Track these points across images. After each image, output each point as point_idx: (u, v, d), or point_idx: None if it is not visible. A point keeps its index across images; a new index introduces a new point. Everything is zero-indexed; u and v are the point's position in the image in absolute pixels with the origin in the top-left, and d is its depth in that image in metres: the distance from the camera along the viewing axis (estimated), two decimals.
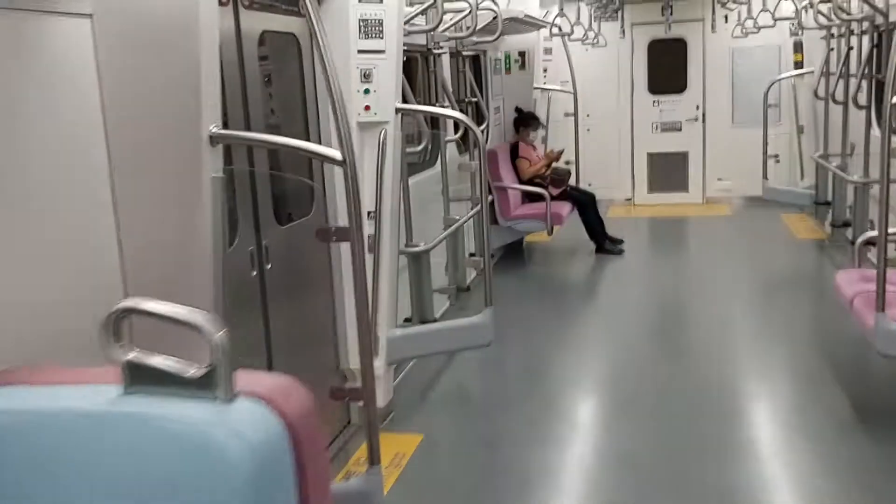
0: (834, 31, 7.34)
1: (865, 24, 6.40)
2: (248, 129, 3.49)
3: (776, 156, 8.97)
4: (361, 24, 4.14)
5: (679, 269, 8.03)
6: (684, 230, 9.90)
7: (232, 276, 3.16)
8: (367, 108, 4.28)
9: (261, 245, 3.54)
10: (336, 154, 2.52)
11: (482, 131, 6.48)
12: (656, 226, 10.07)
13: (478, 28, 5.78)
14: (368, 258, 4.31)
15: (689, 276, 7.72)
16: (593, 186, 10.48)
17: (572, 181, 8.70)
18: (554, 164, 8.39)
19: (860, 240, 4.91)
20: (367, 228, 4.34)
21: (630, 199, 10.97)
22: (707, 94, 10.53)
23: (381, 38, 4.24)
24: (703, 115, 10.58)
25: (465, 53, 6.29)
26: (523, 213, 7.79)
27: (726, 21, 10.23)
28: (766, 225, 9.21)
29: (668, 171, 10.86)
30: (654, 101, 10.74)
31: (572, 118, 9.30)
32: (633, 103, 10.75)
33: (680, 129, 10.70)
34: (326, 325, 4.17)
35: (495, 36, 5.92)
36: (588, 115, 10.63)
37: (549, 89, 9.40)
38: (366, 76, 4.27)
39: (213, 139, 2.60)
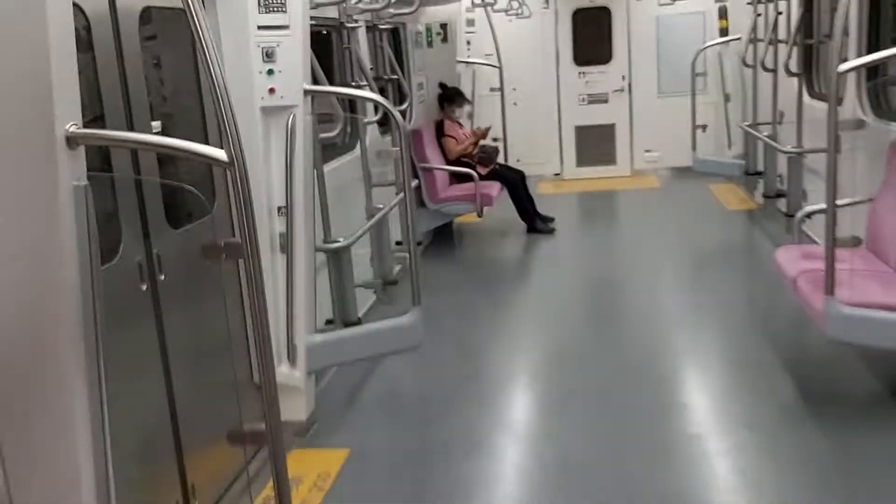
0: None
1: None
2: (130, 122, 3.03)
3: (703, 126, 8.83)
4: None
5: (611, 246, 7.82)
6: (614, 204, 9.72)
7: (115, 293, 2.73)
8: (272, 90, 3.85)
9: (151, 254, 3.09)
10: (221, 154, 2.11)
11: (405, 110, 6.09)
12: (586, 201, 9.87)
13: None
14: (281, 259, 3.93)
15: (621, 254, 7.52)
16: (522, 163, 10.20)
17: (501, 159, 8.39)
18: (481, 142, 8.06)
19: (800, 214, 4.72)
20: (278, 226, 3.94)
21: (559, 174, 10.74)
22: (633, 64, 10.32)
23: (285, 11, 3.80)
24: (630, 85, 10.39)
25: (382, 27, 5.83)
26: (452, 196, 7.44)
27: None
28: (695, 196, 9.09)
29: (596, 144, 10.65)
30: (580, 73, 10.48)
31: (498, 93, 8.94)
32: (558, 76, 10.48)
33: (606, 101, 10.48)
34: (238, 336, 3.73)
35: (414, 7, 5.51)
36: (514, 89, 10.32)
37: (473, 63, 9.01)
38: (268, 55, 3.83)
39: (71, 140, 2.15)
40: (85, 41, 2.86)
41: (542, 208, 8.30)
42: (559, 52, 10.42)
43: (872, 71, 5.37)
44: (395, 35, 7.32)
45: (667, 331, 5.37)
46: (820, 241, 5.54)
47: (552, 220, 8.25)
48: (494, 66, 8.74)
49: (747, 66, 7.48)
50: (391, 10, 5.53)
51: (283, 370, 3.90)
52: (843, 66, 3.35)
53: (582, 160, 10.73)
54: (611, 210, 9.51)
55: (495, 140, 8.69)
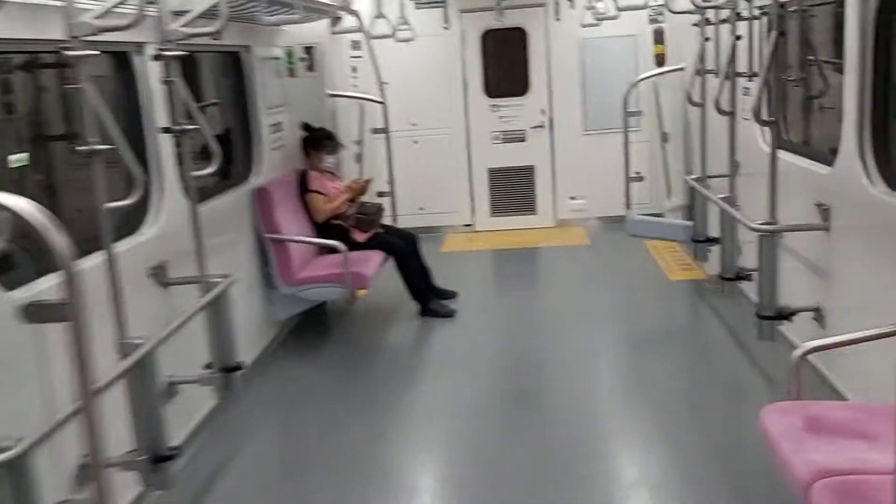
0: (710, 15, 5.56)
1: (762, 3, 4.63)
2: None
3: (639, 176, 7.18)
4: None
5: (527, 329, 6.06)
6: (534, 268, 8.01)
7: None
8: None
9: None
10: None
11: (219, 166, 4.22)
12: (501, 261, 8.14)
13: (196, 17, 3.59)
14: None
15: (539, 341, 5.75)
16: (426, 212, 8.51)
17: (388, 219, 6.60)
18: (360, 199, 6.26)
19: (800, 352, 3.03)
20: None
21: (470, 226, 8.99)
22: (554, 96, 8.68)
23: None
24: (551, 121, 8.74)
25: (168, 53, 3.83)
26: (313, 276, 5.56)
27: (572, 5, 8.35)
28: (630, 258, 7.44)
29: (514, 189, 8.97)
30: (492, 106, 8.79)
31: (392, 134, 7.12)
32: (467, 109, 8.76)
33: (524, 140, 8.81)
34: None
35: (216, 27, 3.68)
36: (415, 125, 8.61)
37: (347, 96, 7.17)
38: None
39: None
40: None
41: (446, 274, 6.58)
42: (467, 81, 8.71)
43: (882, 121, 3.77)
44: (237, 63, 5.50)
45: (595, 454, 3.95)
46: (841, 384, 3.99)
47: (453, 295, 6.47)
48: (377, 102, 6.92)
49: (694, 104, 5.85)
50: (185, 30, 3.68)
51: None
52: None
53: (497, 209, 9.02)
54: (529, 276, 7.78)
55: (382, 195, 6.89)
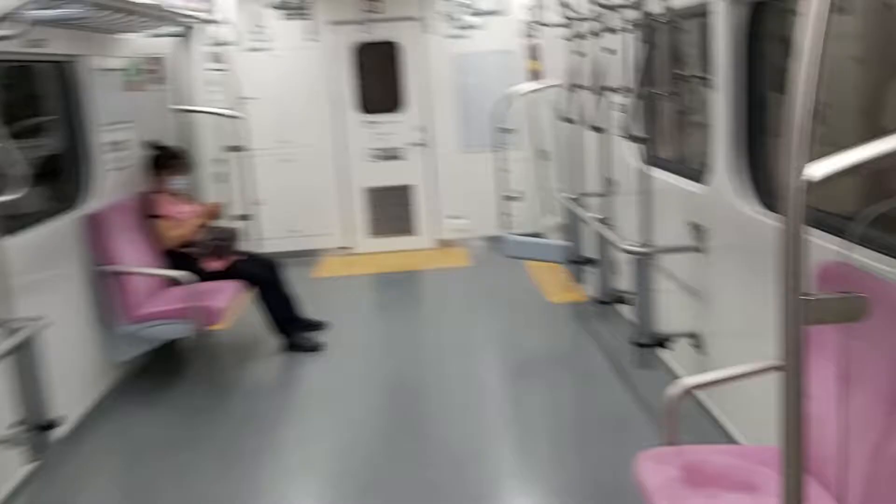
0: (583, 29, 5.34)
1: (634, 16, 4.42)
2: None
3: (513, 196, 6.88)
4: None
5: (406, 364, 5.61)
6: (414, 293, 7.62)
7: None
8: None
9: None
10: None
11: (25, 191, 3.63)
12: (379, 286, 7.71)
13: None
14: None
15: (418, 376, 5.34)
16: (299, 235, 8.03)
17: (251, 245, 6.08)
18: (214, 224, 5.72)
19: (673, 393, 2.74)
20: None
21: (348, 248, 8.53)
22: (431, 112, 8.35)
23: None
24: (429, 138, 8.41)
25: None
26: (153, 312, 4.97)
27: (449, 20, 8.08)
28: (511, 280, 7.17)
29: (392, 209, 8.58)
30: (368, 123, 8.39)
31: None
32: (341, 126, 8.32)
33: (402, 157, 8.45)
34: None
35: (16, 31, 3.14)
36: (286, 142, 8.12)
37: (199, 111, 6.60)
38: None
39: None
40: None
41: (319, 301, 6.14)
42: (341, 96, 8.27)
43: (755, 138, 3.58)
44: (64, 74, 4.89)
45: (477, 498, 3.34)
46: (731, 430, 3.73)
47: (321, 326, 6.00)
48: (234, 117, 6.39)
49: (566, 121, 5.62)
50: None
51: None
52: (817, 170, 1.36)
53: (376, 230, 8.60)
54: (408, 301, 7.37)
55: (244, 217, 6.35)
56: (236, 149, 6.50)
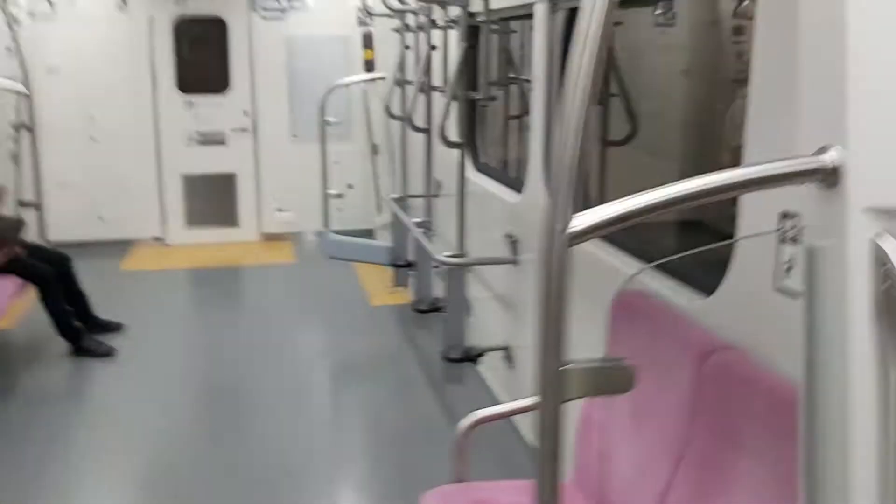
0: (410, 21, 5.10)
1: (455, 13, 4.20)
2: None
3: (338, 193, 6.54)
4: None
5: (216, 371, 5.18)
6: (232, 291, 7.15)
7: None
8: None
9: None
10: None
11: None
12: (195, 282, 7.19)
13: None
14: None
15: (229, 384, 4.92)
16: (106, 221, 7.36)
17: (37, 236, 5.42)
18: None
19: (462, 426, 2.54)
20: None
21: (161, 239, 7.91)
22: (258, 96, 7.87)
23: None
24: (255, 124, 7.92)
25: None
26: None
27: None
28: (335, 279, 6.84)
29: (213, 198, 8.03)
30: (187, 103, 7.78)
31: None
32: (156, 104, 7.67)
33: (224, 143, 7.91)
34: None
35: None
36: (93, 119, 7.40)
37: None
38: None
39: None
40: None
41: (124, 298, 5.60)
42: (156, 73, 7.62)
43: None
44: None
45: None
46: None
47: (118, 328, 5.45)
48: (22, 93, 5.68)
49: (393, 117, 5.37)
50: None
51: None
52: None
53: (193, 220, 8.02)
54: (225, 301, 6.86)
55: (26, 205, 5.66)
56: (24, 127, 5.78)
